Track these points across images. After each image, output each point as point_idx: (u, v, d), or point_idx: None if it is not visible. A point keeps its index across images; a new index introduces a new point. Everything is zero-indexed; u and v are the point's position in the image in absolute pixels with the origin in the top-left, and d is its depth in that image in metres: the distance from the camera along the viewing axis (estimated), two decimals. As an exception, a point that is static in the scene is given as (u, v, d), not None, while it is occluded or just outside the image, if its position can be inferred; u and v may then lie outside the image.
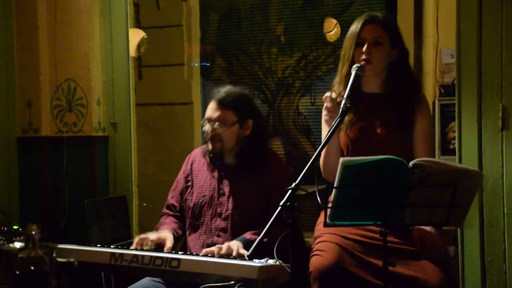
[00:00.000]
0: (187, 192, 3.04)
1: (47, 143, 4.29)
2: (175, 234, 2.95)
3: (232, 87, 3.00)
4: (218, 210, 2.93)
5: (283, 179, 2.90)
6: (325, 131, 2.84)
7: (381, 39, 2.81)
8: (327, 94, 2.74)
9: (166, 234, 2.87)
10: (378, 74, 2.86)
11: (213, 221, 2.93)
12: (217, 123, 2.90)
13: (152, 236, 2.82)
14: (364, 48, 2.79)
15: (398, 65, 2.86)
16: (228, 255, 2.60)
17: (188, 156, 3.15)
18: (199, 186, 3.01)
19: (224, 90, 2.96)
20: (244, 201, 2.90)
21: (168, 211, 3.10)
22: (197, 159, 3.08)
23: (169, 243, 2.80)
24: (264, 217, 2.80)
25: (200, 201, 2.97)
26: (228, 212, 2.90)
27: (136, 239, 2.82)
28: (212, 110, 2.94)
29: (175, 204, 3.08)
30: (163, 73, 4.83)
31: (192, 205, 2.99)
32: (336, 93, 2.81)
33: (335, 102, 2.70)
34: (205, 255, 2.62)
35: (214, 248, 2.65)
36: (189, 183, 3.04)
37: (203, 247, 2.86)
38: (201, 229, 2.95)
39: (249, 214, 2.88)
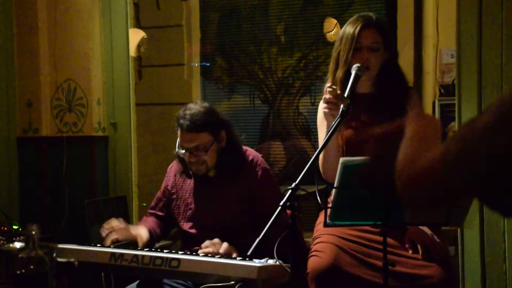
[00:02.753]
0: (173, 205, 3.03)
1: (47, 143, 4.28)
2: (153, 232, 2.96)
3: (192, 105, 2.87)
4: (204, 220, 2.93)
5: (266, 180, 2.91)
6: (321, 126, 2.81)
7: (378, 44, 2.78)
8: (328, 85, 2.72)
9: (141, 230, 2.90)
10: (371, 76, 2.85)
11: (200, 232, 2.92)
12: (195, 150, 2.84)
13: (133, 230, 2.87)
14: (364, 55, 2.75)
15: (388, 64, 2.84)
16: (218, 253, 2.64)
17: (170, 167, 3.11)
18: (184, 198, 3.00)
19: (187, 114, 2.82)
20: (228, 209, 2.89)
21: (151, 211, 3.12)
22: (178, 171, 3.06)
23: (144, 238, 2.83)
24: (251, 221, 2.83)
25: (187, 213, 2.97)
26: (214, 221, 2.89)
27: (113, 223, 2.86)
28: (185, 140, 2.84)
29: (159, 212, 3.10)
30: (163, 73, 4.83)
31: (179, 218, 3.00)
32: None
33: (336, 93, 2.68)
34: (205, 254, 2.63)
35: (206, 247, 2.69)
36: (174, 196, 3.04)
37: None
38: (190, 240, 2.95)
39: (234, 220, 2.87)
